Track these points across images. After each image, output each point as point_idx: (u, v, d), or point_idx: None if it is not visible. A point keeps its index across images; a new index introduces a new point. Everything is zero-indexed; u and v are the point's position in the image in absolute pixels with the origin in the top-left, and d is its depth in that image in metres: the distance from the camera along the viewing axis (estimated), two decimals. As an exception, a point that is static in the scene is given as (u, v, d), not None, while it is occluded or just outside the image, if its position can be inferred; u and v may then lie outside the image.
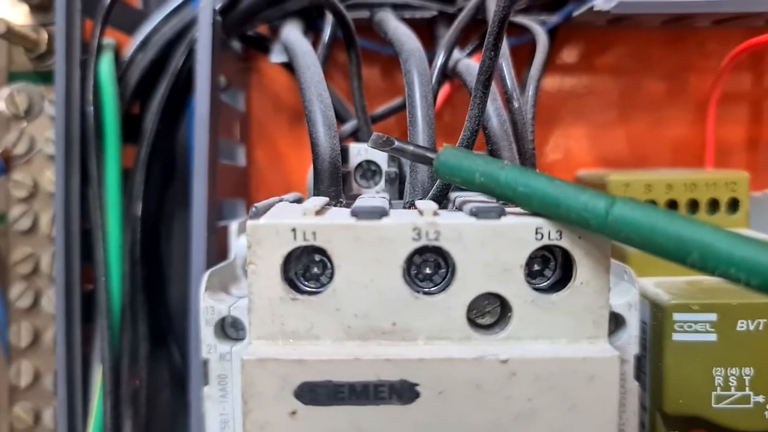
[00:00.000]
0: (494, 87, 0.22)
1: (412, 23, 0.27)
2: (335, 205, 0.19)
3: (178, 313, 0.27)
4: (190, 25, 0.25)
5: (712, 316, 0.20)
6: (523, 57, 0.28)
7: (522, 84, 0.25)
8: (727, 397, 0.20)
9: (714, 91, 0.32)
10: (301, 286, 0.16)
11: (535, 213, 0.16)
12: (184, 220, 0.25)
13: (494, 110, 0.21)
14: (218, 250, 0.24)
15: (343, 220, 0.16)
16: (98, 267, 0.25)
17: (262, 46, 0.32)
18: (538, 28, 0.28)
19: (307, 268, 0.16)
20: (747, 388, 0.20)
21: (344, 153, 0.24)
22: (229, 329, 0.18)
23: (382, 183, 0.25)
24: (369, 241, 0.15)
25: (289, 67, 0.27)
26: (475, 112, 0.17)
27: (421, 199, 0.19)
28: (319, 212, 0.16)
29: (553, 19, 0.31)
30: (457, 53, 0.26)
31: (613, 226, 0.14)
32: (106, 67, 0.25)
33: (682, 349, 0.20)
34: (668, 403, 0.20)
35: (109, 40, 0.26)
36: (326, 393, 0.15)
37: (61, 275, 0.24)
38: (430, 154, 0.17)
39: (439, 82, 0.25)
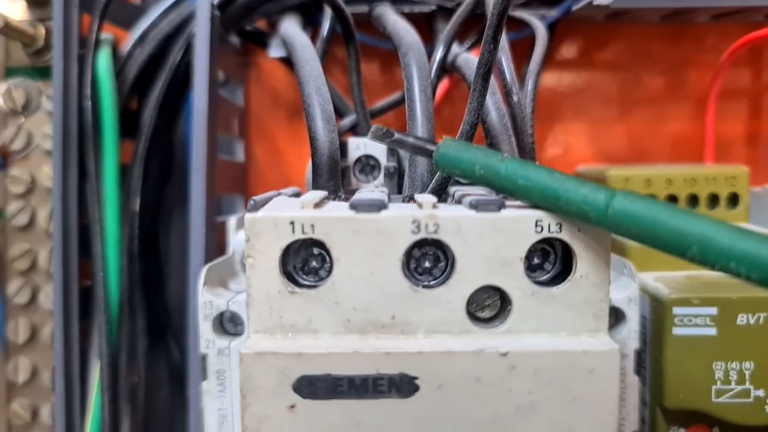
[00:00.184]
0: (493, 81, 0.21)
1: (411, 18, 0.27)
2: (334, 199, 0.19)
3: (176, 309, 0.27)
4: (188, 20, 0.25)
5: (713, 310, 0.20)
6: (522, 52, 0.28)
7: (521, 78, 0.25)
8: (728, 391, 0.20)
9: (713, 86, 0.32)
10: (300, 279, 0.16)
11: (534, 206, 0.16)
12: (183, 216, 0.25)
13: (493, 104, 0.21)
14: (217, 246, 0.24)
15: (342, 213, 0.15)
16: (96, 262, 0.24)
17: (260, 40, 0.32)
18: (537, 22, 0.28)
19: (305, 261, 0.16)
20: (747, 382, 0.20)
21: (343, 147, 0.24)
22: (228, 324, 0.18)
23: (381, 177, 0.24)
24: (368, 234, 0.15)
25: (288, 61, 0.27)
26: (474, 105, 0.17)
27: (420, 193, 0.19)
28: (318, 205, 0.16)
29: (553, 13, 0.31)
30: (455, 48, 0.26)
31: (613, 219, 0.14)
32: (103, 62, 0.25)
33: (682, 343, 0.20)
34: (668, 397, 0.20)
35: (106, 35, 0.26)
36: (325, 387, 0.15)
37: (59, 271, 0.24)
38: (429, 146, 0.17)
39: (438, 77, 0.24)
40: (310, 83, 0.21)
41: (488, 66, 0.17)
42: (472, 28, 0.30)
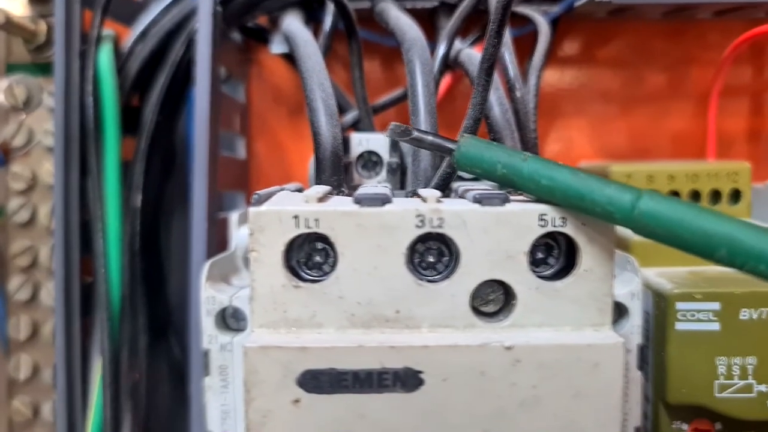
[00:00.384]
0: (496, 77, 0.21)
1: (414, 13, 0.26)
2: (337, 195, 0.19)
3: (177, 306, 0.27)
4: (190, 16, 0.25)
5: (715, 305, 0.20)
6: (525, 48, 0.28)
7: (524, 74, 0.24)
8: (730, 387, 0.20)
9: (715, 83, 0.32)
10: (304, 274, 0.16)
11: (547, 201, 0.16)
12: (184, 212, 0.25)
13: (497, 99, 0.21)
14: (218, 242, 0.24)
15: (346, 207, 0.15)
16: (97, 259, 0.24)
17: (262, 37, 0.32)
18: (539, 18, 0.28)
19: (309, 256, 0.16)
20: (750, 377, 0.20)
21: (346, 143, 0.24)
22: (230, 320, 0.18)
23: (384, 173, 0.24)
24: (372, 228, 0.15)
25: (290, 58, 0.27)
26: (477, 100, 0.17)
27: (423, 188, 0.19)
28: (322, 200, 0.16)
29: (555, 9, 0.31)
30: (458, 43, 0.26)
31: (639, 220, 0.14)
32: (105, 58, 0.25)
33: (685, 338, 0.20)
34: (671, 392, 0.20)
35: (108, 31, 0.26)
36: (329, 381, 0.15)
37: (60, 268, 0.24)
38: (450, 145, 0.17)
39: (441, 72, 0.24)
40: (313, 78, 0.20)
41: (491, 61, 0.17)
42: (474, 24, 0.30)
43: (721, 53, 0.32)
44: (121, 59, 0.26)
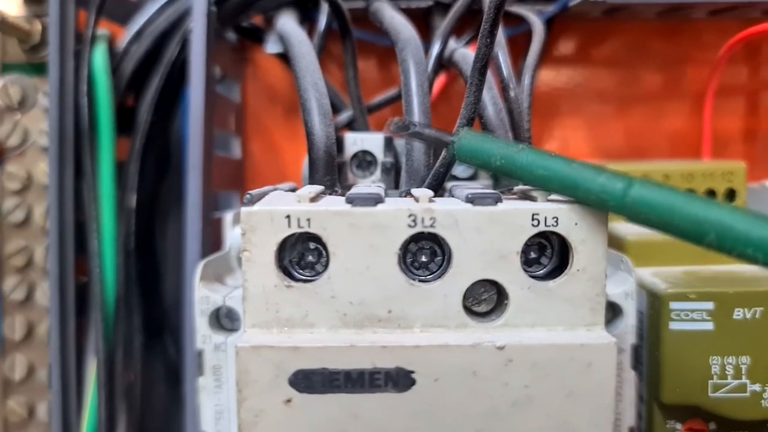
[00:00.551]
0: (490, 76, 0.21)
1: (408, 13, 0.26)
2: (330, 194, 0.19)
3: (172, 306, 0.27)
4: (184, 16, 0.25)
5: (709, 305, 0.20)
6: (519, 48, 0.28)
7: (518, 74, 0.24)
8: (724, 386, 0.20)
9: (711, 83, 0.32)
10: (296, 273, 0.16)
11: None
12: (179, 212, 0.25)
13: (490, 99, 0.21)
14: (213, 242, 0.24)
15: (338, 207, 0.15)
16: (92, 259, 0.24)
17: (256, 36, 0.31)
18: (534, 17, 0.28)
19: (301, 255, 0.16)
20: (744, 377, 0.20)
21: (340, 143, 0.24)
22: (224, 320, 0.18)
23: (378, 173, 0.24)
24: (364, 228, 0.15)
25: (284, 57, 0.27)
26: (471, 99, 0.17)
27: (417, 188, 0.19)
28: (314, 199, 0.16)
29: (550, 9, 0.31)
30: (452, 43, 0.26)
31: (632, 206, 0.14)
32: (100, 58, 0.25)
33: (679, 338, 0.20)
34: (665, 392, 0.20)
35: (103, 31, 0.26)
36: (321, 381, 0.15)
37: (55, 268, 0.24)
38: (448, 138, 0.17)
39: (435, 72, 0.24)
40: (307, 78, 0.20)
41: (485, 60, 0.17)
42: (469, 24, 0.30)
43: (716, 53, 0.32)
44: (115, 59, 0.26)
